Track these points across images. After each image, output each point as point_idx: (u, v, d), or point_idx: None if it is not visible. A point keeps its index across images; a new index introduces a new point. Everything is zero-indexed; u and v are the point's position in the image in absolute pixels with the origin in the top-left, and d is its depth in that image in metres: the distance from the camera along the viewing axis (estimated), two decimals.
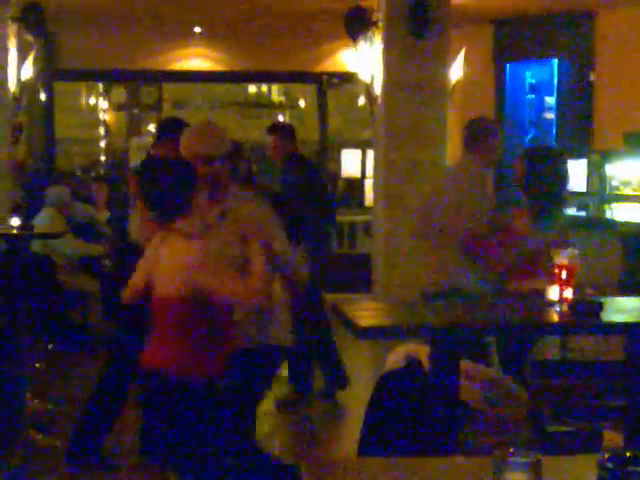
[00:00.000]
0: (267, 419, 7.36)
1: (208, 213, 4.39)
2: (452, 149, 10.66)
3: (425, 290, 5.98)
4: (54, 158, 14.01)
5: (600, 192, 9.69)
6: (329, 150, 14.37)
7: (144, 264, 4.20)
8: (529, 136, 11.89)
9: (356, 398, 7.26)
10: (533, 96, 12.05)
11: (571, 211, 9.30)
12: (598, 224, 9.04)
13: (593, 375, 4.89)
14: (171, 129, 5.74)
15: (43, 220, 9.44)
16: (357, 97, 14.63)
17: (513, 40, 11.96)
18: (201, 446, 4.11)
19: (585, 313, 4.43)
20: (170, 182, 4.12)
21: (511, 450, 2.26)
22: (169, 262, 4.06)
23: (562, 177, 5.60)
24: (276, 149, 7.81)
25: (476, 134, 5.99)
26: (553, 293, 4.57)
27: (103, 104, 17.61)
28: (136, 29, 13.04)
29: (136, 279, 4.22)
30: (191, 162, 4.44)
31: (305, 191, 7.65)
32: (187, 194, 4.12)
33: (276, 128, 8.10)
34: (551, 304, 4.56)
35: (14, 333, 7.56)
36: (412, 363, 4.61)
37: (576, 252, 4.60)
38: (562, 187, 5.59)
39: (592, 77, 11.13)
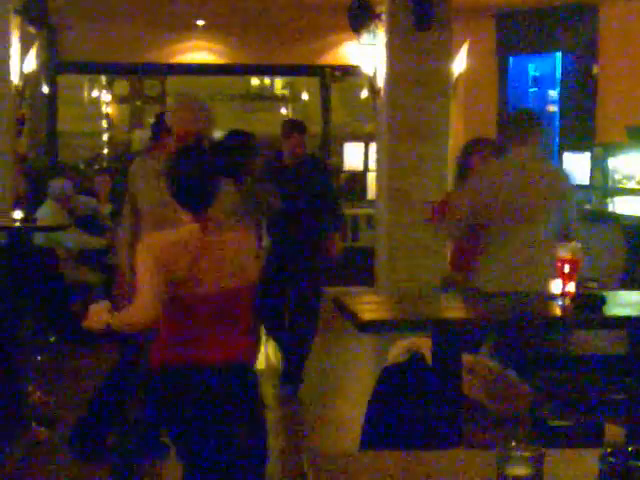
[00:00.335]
0: (269, 412, 7.37)
1: None
2: (455, 142, 10.65)
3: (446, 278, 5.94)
4: (57, 151, 14.02)
5: (603, 185, 9.68)
6: (332, 143, 14.37)
7: (157, 271, 3.77)
8: None
9: (358, 391, 7.27)
10: (536, 89, 12.04)
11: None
12: (601, 217, 9.02)
13: (595, 369, 4.89)
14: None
15: (45, 213, 9.44)
16: (360, 90, 14.61)
17: (516, 33, 11.94)
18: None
19: (587, 307, 4.43)
20: (201, 171, 3.93)
21: (513, 444, 2.26)
22: (232, 252, 3.91)
23: None
24: (300, 149, 7.45)
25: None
26: (556, 287, 4.57)
27: (106, 97, 17.62)
28: (139, 22, 13.03)
29: (155, 296, 3.78)
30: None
31: (324, 196, 7.55)
32: (216, 181, 3.98)
33: (300, 125, 7.61)
34: (553, 298, 4.56)
35: (16, 325, 7.56)
36: (414, 357, 4.61)
37: (579, 246, 4.60)
38: None
39: (595, 70, 11.12)
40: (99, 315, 3.82)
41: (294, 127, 7.54)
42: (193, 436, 3.88)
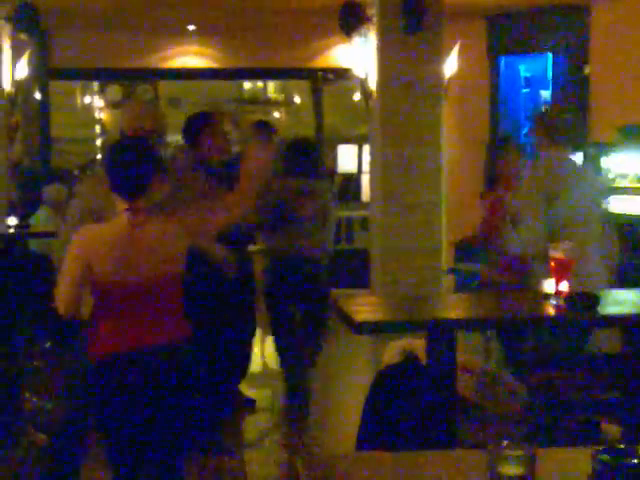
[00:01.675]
0: (263, 415, 7.38)
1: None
2: (447, 144, 10.66)
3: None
4: (50, 157, 14.00)
5: None
6: (325, 146, 14.38)
7: (80, 264, 4.00)
8: (524, 130, 11.89)
9: (354, 392, 7.28)
10: (528, 90, 12.05)
11: None
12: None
13: (590, 368, 4.90)
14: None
15: (40, 219, 9.44)
16: (352, 93, 14.63)
17: (507, 34, 11.96)
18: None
19: (581, 306, 4.44)
20: (130, 159, 4.07)
21: (505, 443, 2.27)
22: (157, 242, 4.02)
23: None
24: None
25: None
26: (549, 286, 4.59)
27: (98, 103, 17.61)
28: (130, 27, 13.03)
29: (70, 286, 4.06)
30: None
31: None
32: (146, 172, 4.08)
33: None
34: (547, 297, 4.58)
35: (11, 331, 7.56)
36: (409, 358, 4.63)
37: (571, 245, 4.62)
38: None
39: (587, 70, 11.13)
40: None
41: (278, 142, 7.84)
42: (119, 420, 4.02)
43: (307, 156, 7.25)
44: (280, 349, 7.38)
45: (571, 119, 5.71)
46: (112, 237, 4.00)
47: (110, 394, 4.02)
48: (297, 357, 7.36)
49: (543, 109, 5.97)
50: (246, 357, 7.34)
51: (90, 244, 4.01)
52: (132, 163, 4.05)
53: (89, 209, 4.79)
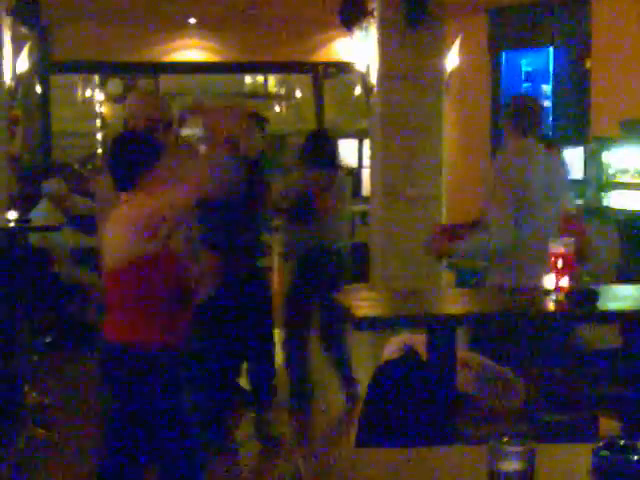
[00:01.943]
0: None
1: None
2: (448, 138, 10.65)
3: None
4: (50, 151, 14.00)
5: (597, 180, 9.68)
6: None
7: None
8: None
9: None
10: (529, 84, 12.03)
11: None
12: (595, 212, 9.03)
13: (590, 363, 4.90)
14: None
15: (40, 213, 9.43)
16: (353, 87, 14.62)
17: (508, 28, 11.94)
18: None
19: (581, 301, 4.43)
20: (126, 152, 4.12)
21: (505, 439, 2.26)
22: (112, 233, 4.04)
23: None
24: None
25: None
26: (549, 282, 4.57)
27: (99, 96, 17.58)
28: (131, 21, 13.02)
29: None
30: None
31: None
32: (140, 163, 4.09)
33: None
34: (547, 293, 4.57)
35: (11, 326, 7.56)
36: (409, 353, 4.62)
37: (572, 240, 4.61)
38: None
39: (588, 64, 11.11)
40: None
41: None
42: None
43: (327, 148, 7.25)
44: (294, 345, 7.36)
45: (534, 107, 5.72)
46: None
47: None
48: (305, 355, 7.36)
49: (511, 99, 5.91)
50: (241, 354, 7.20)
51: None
52: (123, 157, 4.11)
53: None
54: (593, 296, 4.43)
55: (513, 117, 5.51)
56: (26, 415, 6.57)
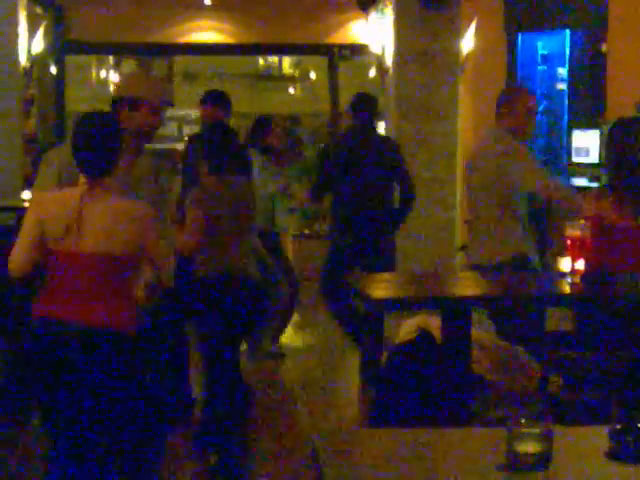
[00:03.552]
0: (278, 392, 7.40)
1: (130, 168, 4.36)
2: (463, 121, 10.62)
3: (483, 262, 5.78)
4: (65, 131, 14.01)
5: None
6: (340, 122, 14.34)
7: (34, 227, 3.98)
8: (541, 107, 11.84)
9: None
10: (545, 67, 11.98)
11: (583, 182, 9.30)
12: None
13: (605, 345, 4.89)
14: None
15: None
16: (368, 69, 14.58)
17: (525, 11, 11.87)
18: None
19: (597, 284, 4.43)
20: (102, 136, 4.02)
21: (523, 421, 2.26)
22: (110, 220, 3.97)
23: None
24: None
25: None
26: (565, 265, 4.57)
27: (114, 77, 17.58)
28: (146, 2, 13.00)
29: (27, 247, 4.01)
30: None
31: None
32: (111, 150, 4.04)
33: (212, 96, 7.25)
34: (564, 275, 4.56)
35: (24, 313, 7.55)
36: (423, 335, 4.62)
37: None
38: None
39: (604, 48, 11.05)
40: None
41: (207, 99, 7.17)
42: (46, 391, 4.02)
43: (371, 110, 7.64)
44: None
45: (506, 97, 5.83)
46: (64, 205, 3.97)
47: (38, 360, 4.03)
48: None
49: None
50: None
51: (44, 207, 4.00)
52: (95, 142, 4.00)
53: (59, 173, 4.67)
54: (609, 279, 4.43)
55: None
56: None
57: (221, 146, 5.36)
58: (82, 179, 4.00)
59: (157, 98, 4.54)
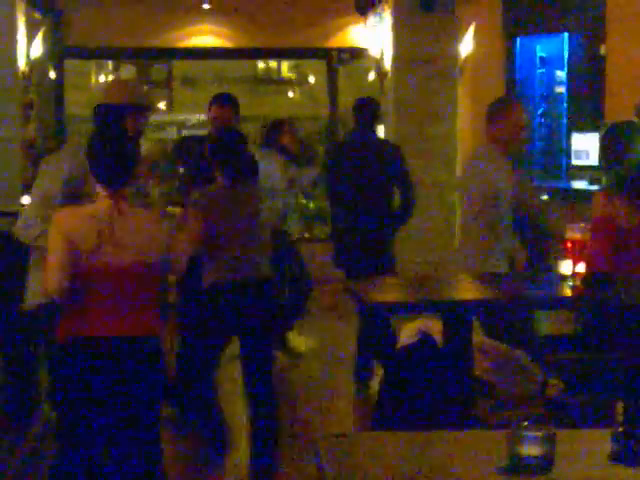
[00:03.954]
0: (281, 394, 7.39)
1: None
2: (462, 124, 10.63)
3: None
4: (65, 136, 14.01)
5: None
6: (339, 126, 14.34)
7: (64, 245, 3.93)
8: (540, 110, 11.85)
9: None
10: (544, 70, 11.99)
11: (583, 185, 9.31)
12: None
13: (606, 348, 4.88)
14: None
15: None
16: (367, 73, 14.59)
17: (523, 14, 11.88)
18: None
19: (598, 287, 4.43)
20: (117, 147, 4.06)
21: (525, 424, 2.27)
22: (136, 231, 4.02)
23: None
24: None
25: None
26: (566, 267, 4.57)
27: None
28: (145, 6, 13.01)
29: (62, 265, 3.94)
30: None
31: None
32: (131, 160, 4.08)
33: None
34: (564, 279, 4.56)
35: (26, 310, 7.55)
36: (425, 338, 4.62)
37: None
38: None
39: (603, 50, 11.06)
40: None
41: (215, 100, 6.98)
42: (81, 409, 4.00)
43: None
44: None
45: (497, 108, 5.85)
46: (93, 220, 3.96)
47: (70, 379, 4.00)
48: None
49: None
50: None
51: (70, 225, 3.98)
52: (117, 155, 4.03)
53: (69, 175, 4.70)
54: (609, 282, 4.43)
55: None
56: (42, 400, 6.58)
57: (236, 154, 5.36)
58: (101, 191, 4.01)
59: (140, 100, 4.66)
